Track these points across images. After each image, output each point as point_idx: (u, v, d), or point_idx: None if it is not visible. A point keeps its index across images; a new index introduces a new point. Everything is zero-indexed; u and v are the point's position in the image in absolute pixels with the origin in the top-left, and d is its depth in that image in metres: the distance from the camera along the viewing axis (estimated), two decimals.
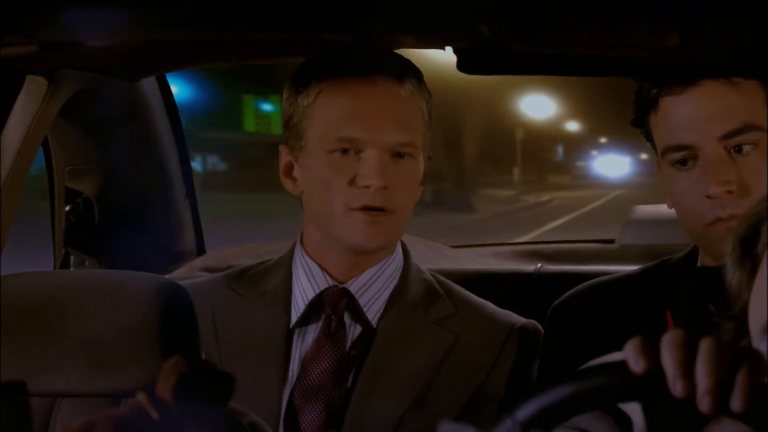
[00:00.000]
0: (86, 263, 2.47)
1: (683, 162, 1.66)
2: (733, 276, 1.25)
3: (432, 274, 1.96)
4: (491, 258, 2.62)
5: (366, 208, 1.80)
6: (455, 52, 1.76)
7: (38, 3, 1.53)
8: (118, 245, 2.49)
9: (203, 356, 1.82)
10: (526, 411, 0.99)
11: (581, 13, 1.50)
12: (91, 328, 1.57)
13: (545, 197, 20.75)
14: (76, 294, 1.60)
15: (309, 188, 1.86)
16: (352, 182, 1.80)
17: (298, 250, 1.92)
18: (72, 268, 2.47)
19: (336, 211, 1.81)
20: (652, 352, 0.99)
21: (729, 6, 1.39)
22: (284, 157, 1.90)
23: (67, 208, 2.46)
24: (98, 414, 1.22)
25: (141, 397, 1.23)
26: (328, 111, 1.82)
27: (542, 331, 1.89)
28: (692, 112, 1.65)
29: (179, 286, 1.65)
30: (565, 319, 1.82)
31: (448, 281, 1.96)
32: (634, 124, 1.76)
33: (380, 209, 1.80)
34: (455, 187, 18.15)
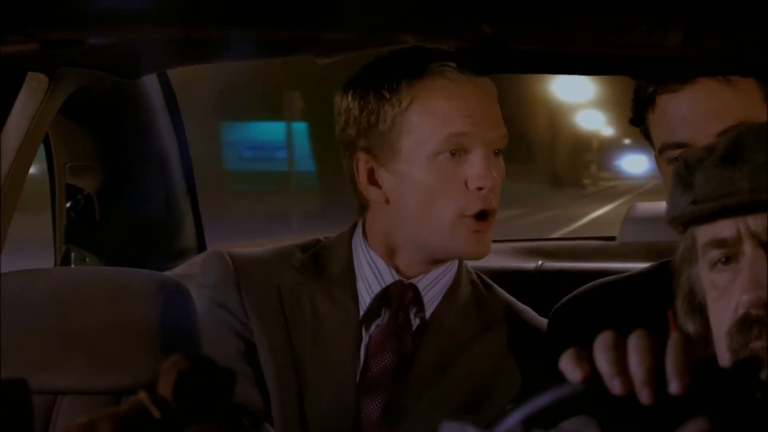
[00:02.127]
0: (87, 260, 2.48)
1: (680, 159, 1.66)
2: (686, 325, 1.28)
3: (477, 274, 1.93)
4: (492, 255, 2.61)
5: (481, 213, 1.77)
6: (456, 50, 1.76)
7: (39, 1, 1.54)
8: (118, 242, 2.49)
9: (272, 337, 1.78)
10: (506, 425, 1.00)
11: (581, 13, 1.50)
12: (91, 325, 1.58)
13: (611, 183, 28.50)
14: (76, 291, 1.61)
15: (404, 195, 1.80)
16: (462, 185, 1.76)
17: (359, 240, 1.87)
18: (73, 266, 2.47)
19: (445, 220, 1.77)
20: (586, 360, 1.00)
21: (728, 6, 1.39)
22: (364, 164, 1.83)
23: (68, 205, 2.46)
24: (99, 412, 1.22)
25: (142, 395, 1.23)
26: (428, 114, 1.77)
27: None
28: (688, 109, 1.65)
29: (180, 283, 1.65)
30: (567, 321, 1.81)
31: (490, 282, 1.94)
32: (632, 122, 1.76)
33: (492, 212, 1.78)
34: (573, 174, 27.65)
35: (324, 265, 1.88)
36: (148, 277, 1.63)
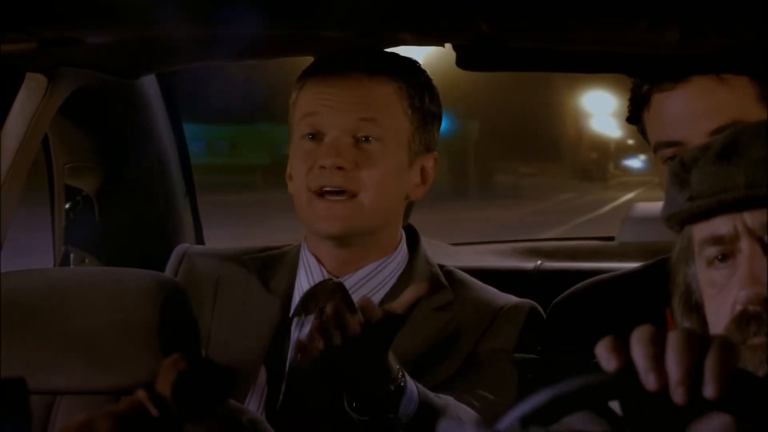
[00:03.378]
0: (86, 261, 2.47)
1: (674, 158, 1.65)
2: (683, 324, 1.28)
3: (440, 266, 1.97)
4: (491, 256, 2.62)
5: (324, 189, 1.82)
6: (454, 49, 1.77)
7: (38, 0, 1.54)
8: (117, 243, 2.49)
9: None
10: (506, 421, 0.99)
11: (579, 11, 1.50)
12: (90, 325, 1.57)
13: (626, 178, 35.14)
14: (75, 291, 1.60)
15: (292, 181, 1.90)
16: (313, 166, 1.84)
17: (303, 245, 1.94)
18: (72, 266, 2.47)
19: (302, 198, 1.85)
20: (623, 350, 1.00)
21: (726, 4, 1.39)
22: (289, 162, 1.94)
23: (67, 206, 2.46)
24: (98, 411, 1.22)
25: (140, 394, 1.23)
26: (302, 101, 1.88)
27: (539, 309, 1.89)
28: (682, 108, 1.65)
29: (179, 283, 1.65)
30: (565, 317, 1.82)
31: (456, 270, 1.97)
32: (629, 121, 1.76)
33: (338, 190, 1.82)
34: (598, 171, 35.90)
35: (273, 265, 1.95)
36: (147, 277, 1.63)
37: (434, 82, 1.93)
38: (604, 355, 1.00)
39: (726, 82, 1.63)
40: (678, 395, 0.97)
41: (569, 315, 1.81)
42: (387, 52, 1.91)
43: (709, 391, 0.97)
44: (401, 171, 1.88)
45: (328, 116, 1.84)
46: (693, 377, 0.98)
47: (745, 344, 1.18)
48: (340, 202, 1.82)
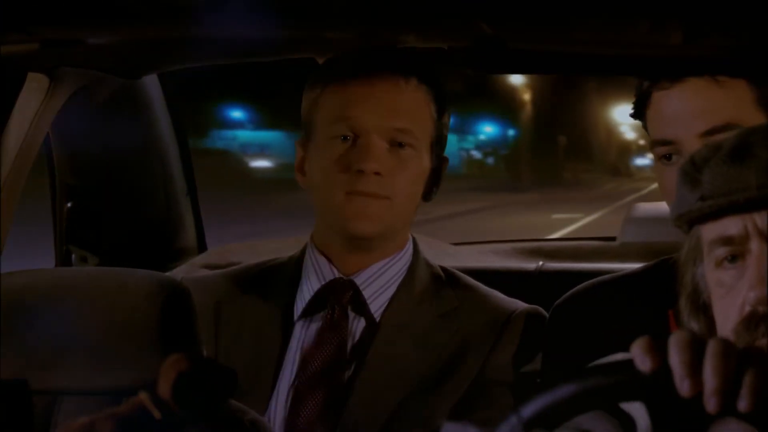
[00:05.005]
0: (87, 260, 2.48)
1: (668, 157, 1.66)
2: (689, 325, 1.27)
3: (442, 268, 1.97)
4: (492, 256, 2.61)
5: (358, 193, 1.82)
6: (456, 50, 1.77)
7: (39, 1, 1.54)
8: (119, 242, 2.49)
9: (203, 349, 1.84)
10: (531, 408, 0.99)
11: (580, 12, 1.50)
12: (92, 325, 1.57)
13: (647, 174, 40.86)
14: (77, 291, 1.60)
15: (313, 178, 1.89)
16: (348, 168, 1.83)
17: (309, 247, 1.94)
18: (73, 266, 2.47)
19: (333, 198, 1.84)
20: (659, 352, 0.99)
21: (728, 4, 1.39)
22: (299, 152, 1.93)
23: (69, 206, 2.46)
24: (99, 412, 1.22)
25: (142, 395, 1.23)
26: (333, 100, 1.86)
27: (546, 315, 1.89)
28: (676, 107, 1.65)
29: (180, 283, 1.65)
30: (567, 318, 1.82)
31: (459, 273, 1.97)
32: (633, 116, 1.76)
33: (373, 195, 1.82)
34: (624, 168, 44.13)
35: (272, 277, 1.95)
36: (148, 277, 1.63)
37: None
38: (640, 355, 1.00)
39: (722, 83, 1.63)
40: (712, 404, 0.97)
41: (571, 316, 1.81)
42: (412, 52, 1.90)
43: (743, 404, 0.96)
44: (425, 175, 1.89)
45: (365, 120, 1.83)
46: (728, 387, 0.97)
47: (754, 345, 1.17)
48: (374, 201, 1.83)
